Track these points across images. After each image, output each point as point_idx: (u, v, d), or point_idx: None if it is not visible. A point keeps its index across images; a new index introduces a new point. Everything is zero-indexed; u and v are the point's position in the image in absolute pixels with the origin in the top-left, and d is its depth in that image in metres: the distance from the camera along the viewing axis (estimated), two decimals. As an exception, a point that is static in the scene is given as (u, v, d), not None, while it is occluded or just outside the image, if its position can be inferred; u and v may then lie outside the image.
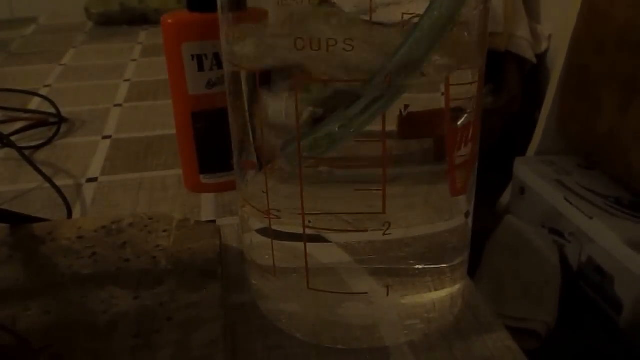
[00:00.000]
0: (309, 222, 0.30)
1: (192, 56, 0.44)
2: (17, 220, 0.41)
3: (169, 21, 0.44)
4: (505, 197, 1.28)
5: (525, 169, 1.20)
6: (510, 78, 1.44)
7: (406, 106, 0.26)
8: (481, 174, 0.34)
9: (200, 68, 0.44)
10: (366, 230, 0.30)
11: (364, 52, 0.25)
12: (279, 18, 0.28)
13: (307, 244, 0.31)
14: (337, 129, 0.26)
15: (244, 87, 0.30)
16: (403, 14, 0.27)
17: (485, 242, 1.10)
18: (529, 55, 1.46)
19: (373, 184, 0.29)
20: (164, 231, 0.39)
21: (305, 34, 0.25)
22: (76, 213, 0.49)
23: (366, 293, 0.31)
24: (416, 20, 0.25)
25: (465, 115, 0.30)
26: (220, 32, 0.32)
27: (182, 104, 0.46)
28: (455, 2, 0.25)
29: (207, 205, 0.48)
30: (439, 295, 0.33)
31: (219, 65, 0.44)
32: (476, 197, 0.34)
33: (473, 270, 0.31)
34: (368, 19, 0.26)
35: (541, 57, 1.49)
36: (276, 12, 0.29)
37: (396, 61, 0.25)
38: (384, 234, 0.30)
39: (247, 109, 0.31)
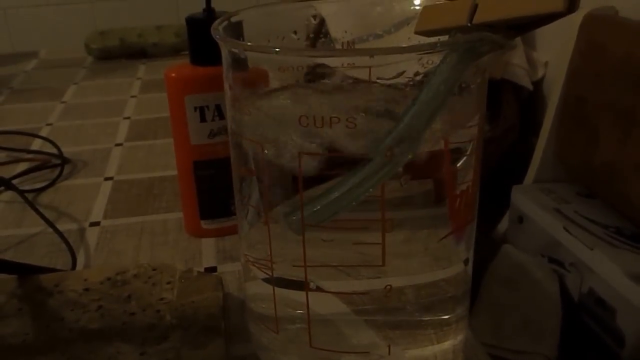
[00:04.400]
0: (311, 277, 0.30)
1: (195, 108, 0.45)
2: (25, 272, 0.42)
3: (173, 75, 0.45)
4: (503, 226, 1.28)
5: (523, 198, 1.19)
6: (507, 107, 1.45)
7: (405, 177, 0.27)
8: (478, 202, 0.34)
9: (203, 119, 0.45)
10: (366, 280, 0.30)
11: (365, 127, 0.26)
12: (281, 85, 0.29)
13: (309, 296, 0.31)
14: (338, 199, 0.27)
15: (249, 153, 0.31)
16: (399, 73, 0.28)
17: (483, 272, 1.09)
18: (525, 82, 1.46)
19: (372, 235, 0.29)
20: (168, 283, 0.40)
21: (309, 111, 0.25)
22: (80, 258, 0.49)
23: (368, 352, 0.31)
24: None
25: (465, 158, 0.31)
26: (225, 92, 0.32)
27: (184, 153, 0.47)
28: (454, 78, 0.25)
29: (207, 251, 0.49)
30: (441, 348, 0.34)
31: (221, 116, 0.45)
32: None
33: (471, 302, 0.32)
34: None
35: (537, 84, 1.49)
36: (278, 76, 0.30)
37: (396, 135, 0.26)
38: (384, 287, 0.30)
39: (251, 166, 0.32)
